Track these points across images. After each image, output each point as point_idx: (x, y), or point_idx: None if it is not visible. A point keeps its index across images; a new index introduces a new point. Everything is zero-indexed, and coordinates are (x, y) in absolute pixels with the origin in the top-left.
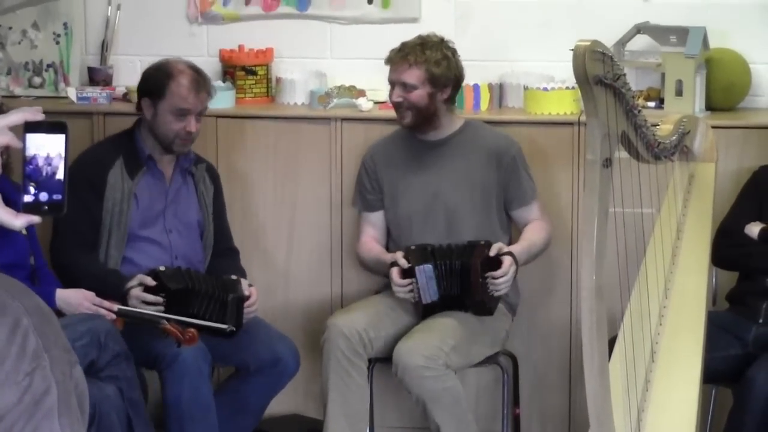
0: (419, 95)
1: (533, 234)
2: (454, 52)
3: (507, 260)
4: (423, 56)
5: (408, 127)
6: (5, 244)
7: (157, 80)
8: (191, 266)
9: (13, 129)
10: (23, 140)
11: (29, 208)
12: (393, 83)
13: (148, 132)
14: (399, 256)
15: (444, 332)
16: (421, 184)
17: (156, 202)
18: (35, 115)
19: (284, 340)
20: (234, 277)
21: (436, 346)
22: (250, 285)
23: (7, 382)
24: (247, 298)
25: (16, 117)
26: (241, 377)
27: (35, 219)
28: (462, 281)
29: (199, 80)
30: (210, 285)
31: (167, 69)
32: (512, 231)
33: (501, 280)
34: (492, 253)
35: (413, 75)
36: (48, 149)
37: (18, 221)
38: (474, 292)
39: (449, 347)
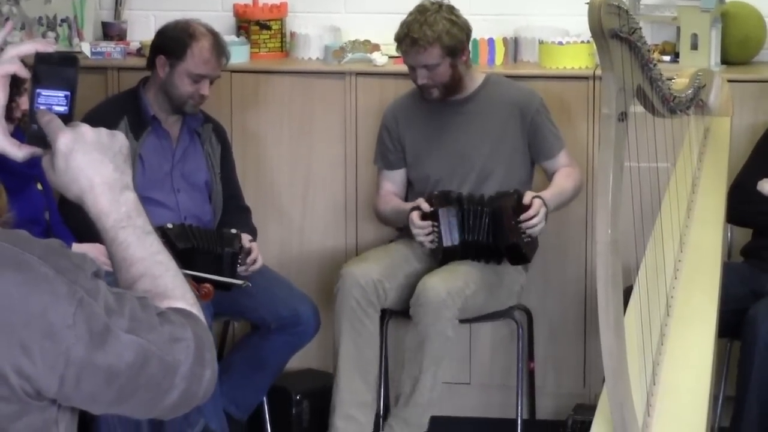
0: (443, 71)
1: (562, 180)
2: (452, 9)
3: (537, 202)
4: (432, 33)
5: (437, 100)
6: (21, 199)
7: (177, 40)
8: (201, 225)
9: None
10: (33, 71)
11: (34, 140)
12: (413, 67)
13: (156, 91)
14: (421, 201)
15: (467, 276)
16: (446, 144)
17: (163, 163)
18: (46, 46)
19: (305, 300)
20: (234, 231)
21: (459, 287)
22: (251, 240)
23: (62, 335)
24: (247, 252)
25: (27, 47)
26: (261, 335)
27: (38, 151)
28: (494, 227)
29: (220, 45)
30: (208, 240)
31: (189, 30)
32: (535, 184)
33: (534, 221)
34: (526, 200)
35: (431, 55)
36: (57, 82)
37: (21, 152)
38: (510, 235)
39: (471, 291)
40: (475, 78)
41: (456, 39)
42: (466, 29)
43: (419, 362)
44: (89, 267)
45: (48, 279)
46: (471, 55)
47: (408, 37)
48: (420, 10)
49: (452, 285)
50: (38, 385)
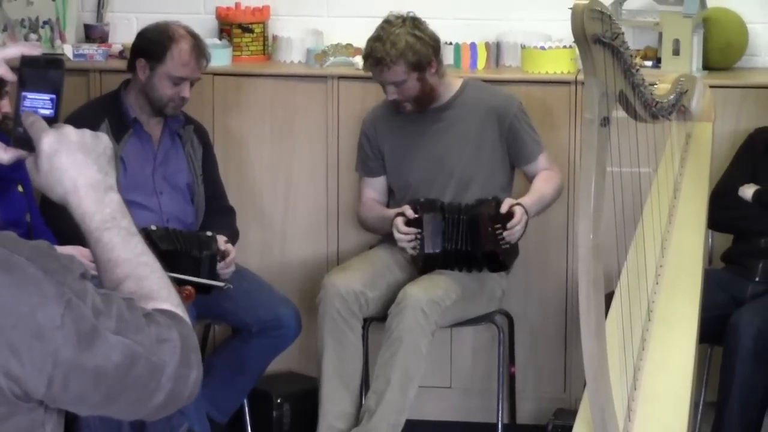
0: (411, 86)
1: (542, 184)
2: (417, 25)
3: (518, 210)
4: (395, 51)
5: (412, 113)
6: (2, 201)
7: (157, 43)
8: (183, 228)
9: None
10: (19, 74)
11: (19, 143)
12: (382, 84)
13: (137, 93)
14: (406, 207)
15: (448, 286)
16: (425, 151)
17: (144, 165)
18: (32, 49)
19: (287, 303)
20: (209, 233)
21: (440, 297)
22: (226, 242)
23: (50, 336)
24: (223, 254)
25: (13, 51)
26: (242, 338)
27: (23, 154)
28: (471, 235)
29: (199, 47)
30: (187, 242)
31: (168, 32)
32: (515, 187)
33: (515, 229)
34: (503, 209)
35: (396, 73)
36: (43, 85)
37: (6, 155)
38: (484, 242)
39: (451, 301)
40: (452, 85)
41: (420, 54)
42: (431, 42)
43: (387, 376)
44: (77, 268)
45: (36, 280)
46: (453, 60)
47: (371, 57)
48: (383, 26)
49: (433, 294)
50: (26, 386)
